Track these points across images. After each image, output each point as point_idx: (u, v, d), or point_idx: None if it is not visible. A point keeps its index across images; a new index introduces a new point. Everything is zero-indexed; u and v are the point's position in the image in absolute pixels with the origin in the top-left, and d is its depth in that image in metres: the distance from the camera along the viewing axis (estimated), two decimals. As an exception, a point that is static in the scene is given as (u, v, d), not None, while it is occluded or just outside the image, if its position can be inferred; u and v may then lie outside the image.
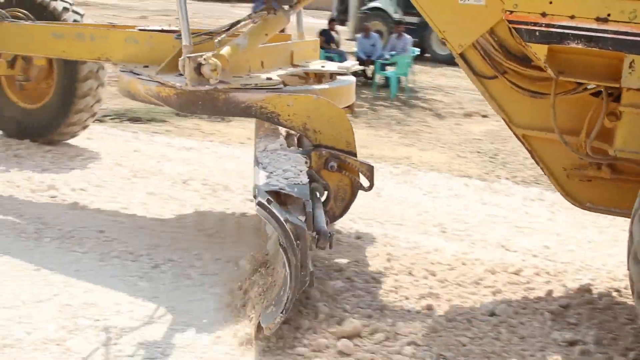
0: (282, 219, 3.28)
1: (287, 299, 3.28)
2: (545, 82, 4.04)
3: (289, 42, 5.26)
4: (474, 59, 4.16)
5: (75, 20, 6.56)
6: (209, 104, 4.21)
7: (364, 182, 4.30)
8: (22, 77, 6.81)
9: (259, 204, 3.29)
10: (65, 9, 6.52)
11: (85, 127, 7.17)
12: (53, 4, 6.51)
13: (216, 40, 4.35)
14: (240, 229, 5.12)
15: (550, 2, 3.67)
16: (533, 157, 4.36)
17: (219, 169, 6.75)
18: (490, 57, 4.11)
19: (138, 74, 4.54)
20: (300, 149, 4.31)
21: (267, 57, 4.75)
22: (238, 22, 4.60)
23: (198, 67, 4.02)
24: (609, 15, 3.57)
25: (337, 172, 4.22)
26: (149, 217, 5.30)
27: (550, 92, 4.00)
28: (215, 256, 4.56)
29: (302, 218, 3.47)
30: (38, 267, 4.25)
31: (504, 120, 4.30)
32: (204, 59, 4.00)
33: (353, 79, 4.99)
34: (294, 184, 3.63)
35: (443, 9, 4.09)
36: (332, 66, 5.22)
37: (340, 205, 4.33)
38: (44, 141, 7.01)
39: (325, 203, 4.25)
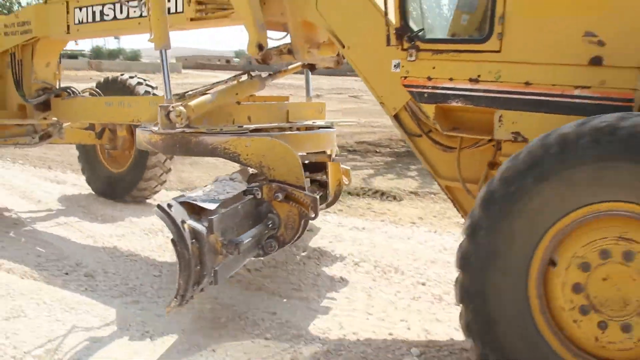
0: (178, 220, 4.17)
1: (179, 286, 4.13)
2: (456, 138, 4.64)
3: (285, 102, 6.22)
4: (405, 119, 4.85)
5: (146, 92, 8.03)
6: (184, 146, 5.25)
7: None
8: (109, 146, 8.40)
9: (158, 206, 4.21)
10: (139, 84, 8.02)
11: (154, 193, 8.56)
12: (129, 81, 8.05)
13: (187, 94, 5.45)
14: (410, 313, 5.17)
15: (434, 68, 4.36)
16: (455, 206, 4.89)
17: (390, 250, 6.74)
18: (417, 117, 4.77)
19: (143, 128, 5.68)
20: (245, 181, 5.19)
21: (254, 112, 5.77)
22: (219, 82, 5.69)
23: (167, 114, 5.10)
24: (479, 76, 4.19)
25: (286, 203, 5.01)
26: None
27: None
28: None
29: (206, 224, 4.31)
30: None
31: (430, 173, 4.90)
32: (172, 107, 5.09)
33: (331, 130, 5.82)
34: (209, 200, 4.52)
35: (380, 76, 4.83)
36: (321, 122, 6.10)
37: (290, 232, 5.10)
38: (121, 200, 8.48)
39: (277, 229, 5.05)
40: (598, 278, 3.42)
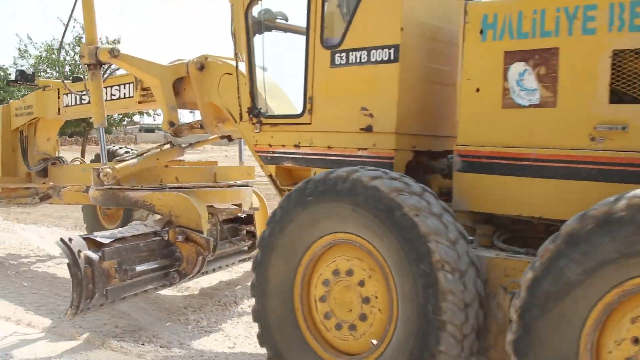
0: (75, 250, 5.59)
1: (72, 299, 5.52)
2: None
3: (214, 165, 7.64)
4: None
5: None
6: (114, 199, 6.69)
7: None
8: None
9: (60, 239, 5.65)
10: (126, 152, 9.57)
11: None
12: (119, 151, 9.62)
13: (115, 159, 6.95)
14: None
15: (272, 137, 5.68)
16: None
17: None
18: None
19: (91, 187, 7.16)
20: (152, 225, 6.56)
21: (182, 174, 7.21)
22: (148, 150, 7.17)
23: (98, 175, 6.61)
24: (299, 142, 5.48)
25: (187, 244, 6.36)
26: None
27: None
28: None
29: (99, 254, 5.70)
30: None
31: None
32: (100, 169, 6.59)
33: (244, 187, 7.19)
34: (110, 237, 5.93)
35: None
36: (241, 182, 7.49)
37: (191, 267, 6.41)
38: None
39: (180, 264, 6.40)
40: (334, 291, 4.57)
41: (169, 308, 7.25)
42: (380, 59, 4.94)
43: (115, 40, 26.67)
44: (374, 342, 4.41)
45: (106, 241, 5.83)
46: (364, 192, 4.25)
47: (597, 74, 4.00)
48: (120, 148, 9.85)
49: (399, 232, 4.09)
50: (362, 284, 4.44)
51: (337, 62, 5.18)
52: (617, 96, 3.98)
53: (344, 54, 5.14)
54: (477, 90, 4.46)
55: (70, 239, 5.66)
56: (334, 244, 4.58)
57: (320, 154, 5.38)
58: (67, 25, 7.05)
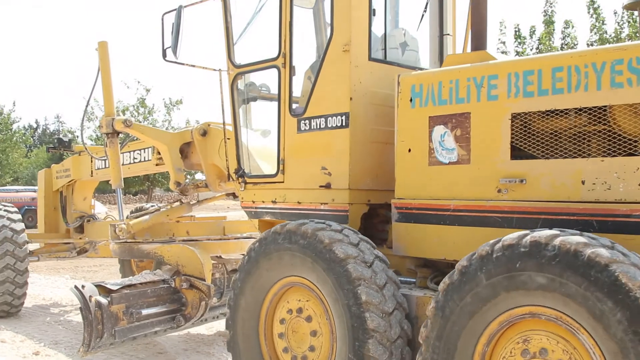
0: (86, 295, 6.43)
1: (84, 338, 6.34)
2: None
3: (222, 220, 8.44)
4: None
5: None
6: (129, 251, 7.58)
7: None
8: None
9: (74, 286, 6.51)
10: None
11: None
12: (150, 208, 10.58)
13: (129, 215, 7.82)
14: None
15: (255, 194, 6.44)
16: None
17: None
18: None
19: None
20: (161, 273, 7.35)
21: (192, 228, 8.04)
22: (159, 207, 8.03)
23: (114, 230, 7.50)
24: (276, 199, 6.22)
25: (191, 290, 7.15)
26: None
27: None
28: None
29: (109, 299, 6.52)
30: None
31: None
32: (117, 225, 7.48)
33: (249, 240, 7.95)
34: (119, 284, 6.76)
35: None
36: (247, 234, 8.26)
37: (195, 311, 7.19)
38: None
39: (185, 309, 7.18)
40: (290, 327, 5.23)
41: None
42: (334, 124, 5.65)
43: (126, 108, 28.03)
44: None
45: (115, 287, 6.65)
46: (309, 241, 4.93)
47: (501, 134, 4.60)
48: (152, 206, 10.79)
49: (335, 276, 4.74)
50: (309, 319, 5.09)
51: (302, 128, 5.92)
52: (516, 153, 4.56)
53: (307, 121, 5.87)
54: (409, 150, 5.11)
55: (83, 286, 6.51)
56: (290, 286, 5.26)
57: (292, 209, 6.08)
58: (88, 100, 8.07)
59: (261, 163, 6.62)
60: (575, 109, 4.29)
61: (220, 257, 7.64)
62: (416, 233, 5.04)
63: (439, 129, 4.94)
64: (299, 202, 6.01)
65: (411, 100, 5.10)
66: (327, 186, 5.72)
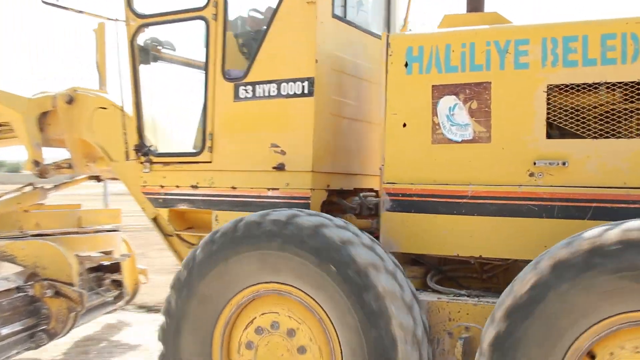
0: None
1: None
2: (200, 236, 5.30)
3: (77, 209, 6.82)
4: (162, 222, 5.49)
5: None
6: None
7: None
8: None
9: None
10: None
11: None
12: None
13: None
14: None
15: (164, 177, 5.08)
16: None
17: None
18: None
19: None
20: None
21: (43, 219, 6.33)
22: (7, 193, 6.27)
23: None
24: (197, 183, 4.92)
25: (56, 299, 5.54)
26: None
27: None
28: None
29: None
30: None
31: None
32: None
33: (115, 233, 6.44)
34: None
35: (135, 187, 5.45)
36: (109, 226, 6.73)
37: (61, 325, 5.62)
38: None
39: (48, 323, 5.55)
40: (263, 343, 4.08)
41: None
42: (292, 92, 4.59)
43: None
44: None
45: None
46: (309, 240, 3.85)
47: (534, 109, 3.93)
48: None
49: (351, 289, 3.73)
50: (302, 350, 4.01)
51: (241, 96, 4.76)
52: (554, 131, 3.93)
53: (249, 87, 4.72)
54: (404, 125, 4.25)
55: None
56: (257, 296, 4.11)
57: (223, 195, 4.89)
58: None
59: (175, 138, 5.30)
60: (633, 82, 3.75)
61: (89, 256, 6.10)
62: (417, 225, 4.20)
63: (448, 101, 4.14)
64: (233, 188, 4.83)
65: (406, 65, 4.23)
66: (280, 167, 4.64)
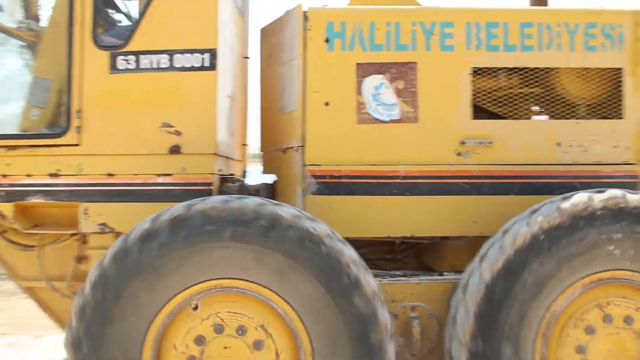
0: None
1: None
2: (36, 235, 4.30)
3: None
4: None
5: None
6: None
7: None
8: None
9: None
10: None
11: None
12: None
13: None
14: None
15: (8, 165, 4.05)
16: (41, 307, 4.51)
17: None
18: None
19: None
20: None
21: None
22: None
23: None
24: (59, 170, 4.00)
25: None
26: None
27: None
28: None
29: None
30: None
31: (10, 275, 4.45)
32: None
33: None
34: None
35: None
36: None
37: None
38: None
39: None
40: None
41: None
42: (189, 65, 4.05)
43: None
44: None
45: None
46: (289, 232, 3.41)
47: (459, 90, 4.03)
48: None
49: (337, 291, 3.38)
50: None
51: (120, 67, 4.05)
52: (479, 112, 4.08)
53: (131, 57, 4.04)
54: (327, 104, 4.03)
55: None
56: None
57: (96, 184, 4.07)
58: None
59: (22, 115, 4.27)
60: (547, 68, 4.09)
61: None
62: (346, 207, 3.99)
63: (373, 80, 4.05)
64: (110, 175, 4.07)
65: (327, 40, 4.04)
66: (175, 150, 4.05)
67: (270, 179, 4.76)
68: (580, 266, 3.47)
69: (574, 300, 3.54)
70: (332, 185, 4.00)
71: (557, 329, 3.56)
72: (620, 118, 4.09)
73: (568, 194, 3.57)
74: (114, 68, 4.03)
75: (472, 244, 4.11)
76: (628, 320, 3.56)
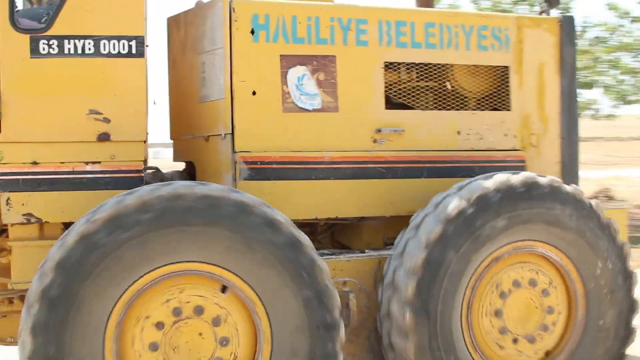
0: None
1: None
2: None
3: None
4: None
5: None
6: None
7: None
8: None
9: None
10: None
11: None
12: None
13: None
14: None
15: None
16: None
17: None
18: None
19: None
20: None
21: None
22: None
23: None
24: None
25: None
26: None
27: None
28: None
29: None
30: None
31: None
32: None
33: None
34: None
35: None
36: None
37: None
38: None
39: None
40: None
41: None
42: (116, 51, 4.06)
43: None
44: None
45: None
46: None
47: (374, 82, 4.41)
48: None
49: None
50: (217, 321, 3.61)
51: (42, 52, 3.96)
52: (391, 103, 4.48)
53: (54, 42, 3.98)
54: (254, 93, 4.22)
55: None
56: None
57: (18, 173, 3.96)
58: None
59: None
60: (447, 64, 4.58)
61: None
62: (276, 192, 4.21)
63: (296, 71, 4.30)
64: (34, 163, 3.98)
65: (253, 32, 4.24)
66: (105, 137, 4.05)
67: (180, 166, 4.87)
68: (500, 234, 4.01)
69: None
70: (263, 170, 4.20)
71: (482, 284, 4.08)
72: (508, 110, 4.68)
73: (488, 174, 4.08)
74: (35, 52, 3.93)
75: (386, 224, 4.55)
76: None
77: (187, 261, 3.53)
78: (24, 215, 3.93)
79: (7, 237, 4.10)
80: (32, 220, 3.95)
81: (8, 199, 3.91)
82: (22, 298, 4.36)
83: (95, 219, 3.38)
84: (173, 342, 3.51)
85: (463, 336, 4.02)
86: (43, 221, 3.98)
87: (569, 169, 4.78)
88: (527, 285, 4.13)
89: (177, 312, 3.52)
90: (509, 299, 4.10)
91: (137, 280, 3.46)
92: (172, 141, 5.00)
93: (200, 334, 3.54)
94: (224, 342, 3.56)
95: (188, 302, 3.54)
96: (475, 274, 4.03)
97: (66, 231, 3.49)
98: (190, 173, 4.70)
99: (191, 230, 3.48)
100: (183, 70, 4.70)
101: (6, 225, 4.07)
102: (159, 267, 3.48)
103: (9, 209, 3.92)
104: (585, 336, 4.19)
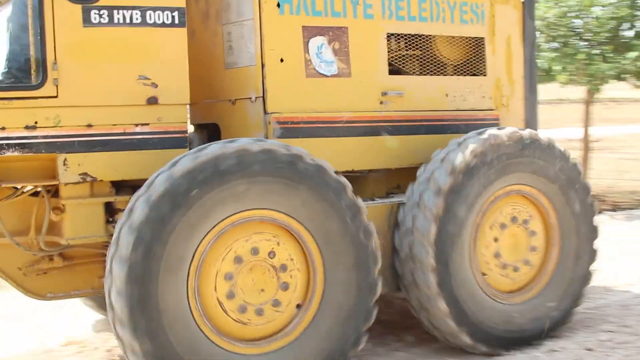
0: None
1: None
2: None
3: None
4: None
5: None
6: None
7: None
8: None
9: None
10: None
11: None
12: None
13: None
14: None
15: None
16: None
17: None
18: None
19: None
20: None
21: None
22: None
23: None
24: (36, 122, 4.06)
25: None
26: None
27: None
28: None
29: None
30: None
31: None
32: None
33: None
34: None
35: None
36: None
37: None
38: None
39: None
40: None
41: None
42: (161, 21, 4.40)
43: None
44: None
45: None
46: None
47: (379, 51, 5.02)
48: None
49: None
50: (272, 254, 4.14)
51: (94, 21, 4.23)
52: (394, 69, 5.11)
53: (104, 12, 4.25)
54: (282, 60, 4.70)
55: None
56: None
57: (75, 135, 4.22)
58: None
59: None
60: (437, 35, 5.27)
61: None
62: (304, 148, 4.73)
63: (316, 40, 4.83)
64: (89, 126, 4.27)
65: (279, 5, 4.71)
66: (153, 101, 4.40)
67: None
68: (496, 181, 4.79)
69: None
70: (293, 129, 4.71)
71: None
72: (485, 75, 5.46)
73: (480, 130, 4.83)
74: (87, 21, 4.19)
75: (388, 175, 5.22)
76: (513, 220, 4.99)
77: (272, 210, 4.08)
78: (80, 174, 4.21)
79: (59, 196, 4.36)
80: (88, 179, 4.24)
81: (65, 159, 4.18)
82: (62, 255, 4.65)
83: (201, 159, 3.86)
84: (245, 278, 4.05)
85: (471, 266, 4.78)
86: (98, 179, 4.27)
87: (531, 125, 5.65)
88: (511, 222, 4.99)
89: (254, 251, 4.04)
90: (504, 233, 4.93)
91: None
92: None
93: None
94: (283, 268, 4.18)
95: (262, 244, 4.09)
96: (478, 215, 4.78)
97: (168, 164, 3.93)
98: (209, 134, 5.10)
99: (279, 182, 4.04)
100: (204, 40, 5.05)
101: (56, 185, 4.33)
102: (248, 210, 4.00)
103: (66, 169, 4.18)
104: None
